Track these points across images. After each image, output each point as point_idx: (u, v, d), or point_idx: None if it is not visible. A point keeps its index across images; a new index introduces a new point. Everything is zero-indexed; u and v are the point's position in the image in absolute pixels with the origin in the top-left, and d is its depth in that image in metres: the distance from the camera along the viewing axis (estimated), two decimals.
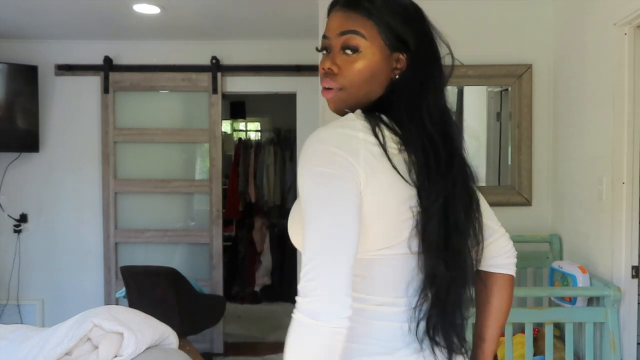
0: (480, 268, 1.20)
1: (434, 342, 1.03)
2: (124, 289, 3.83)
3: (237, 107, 6.38)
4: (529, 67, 3.09)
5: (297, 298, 0.92)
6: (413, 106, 1.02)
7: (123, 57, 4.32)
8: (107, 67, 4.29)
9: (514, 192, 3.13)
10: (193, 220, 4.51)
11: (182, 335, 2.88)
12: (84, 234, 4.39)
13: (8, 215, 4.34)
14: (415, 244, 1.02)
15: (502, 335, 2.46)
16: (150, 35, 4.14)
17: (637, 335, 2.42)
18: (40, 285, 4.39)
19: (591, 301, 2.49)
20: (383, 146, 0.96)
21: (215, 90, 4.30)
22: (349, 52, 1.03)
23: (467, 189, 1.09)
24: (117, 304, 3.92)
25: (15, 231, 4.36)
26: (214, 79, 4.29)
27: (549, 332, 2.41)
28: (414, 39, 1.04)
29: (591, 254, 2.59)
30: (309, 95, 4.17)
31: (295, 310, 0.91)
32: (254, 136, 6.82)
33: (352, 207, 0.93)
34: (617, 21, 2.33)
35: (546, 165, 3.12)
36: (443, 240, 1.01)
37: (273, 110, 6.41)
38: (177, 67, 4.30)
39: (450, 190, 1.03)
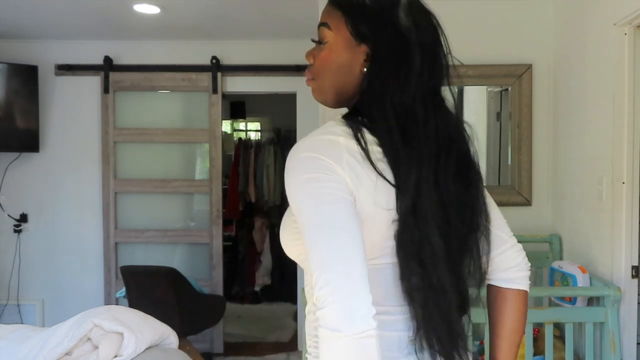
0: (490, 282, 1.15)
1: (433, 352, 0.99)
2: (124, 289, 3.83)
3: (237, 107, 6.38)
4: (529, 67, 3.09)
5: (316, 312, 0.88)
6: (377, 101, 0.97)
7: (123, 57, 4.32)
8: (107, 67, 4.29)
9: (514, 192, 3.13)
10: (193, 220, 4.51)
11: (182, 335, 2.88)
12: (84, 234, 4.39)
13: (8, 215, 4.34)
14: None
15: None
16: (150, 35, 4.14)
17: (637, 335, 2.42)
18: (40, 285, 4.39)
19: (591, 301, 2.49)
20: (365, 151, 0.93)
21: (215, 90, 4.30)
22: (318, 43, 1.06)
23: (468, 195, 1.02)
24: (117, 304, 3.92)
25: (15, 231, 4.36)
26: (214, 79, 4.29)
27: (549, 332, 2.41)
28: (375, 31, 0.98)
29: (591, 254, 2.59)
30: (309, 95, 4.10)
31: (318, 326, 0.88)
32: (254, 136, 6.82)
33: (346, 206, 0.90)
34: (617, 21, 2.33)
35: (546, 165, 3.12)
36: (418, 249, 0.96)
37: (273, 110, 6.41)
38: (177, 67, 4.30)
39: (440, 196, 0.97)
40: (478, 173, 1.06)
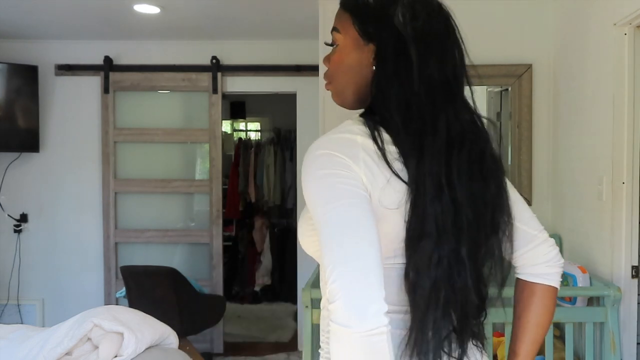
0: (519, 276, 1.14)
1: (442, 351, 0.98)
2: (124, 289, 3.83)
3: (237, 107, 6.38)
4: (529, 67, 3.09)
5: (328, 306, 0.88)
6: (384, 98, 0.98)
7: (123, 57, 4.32)
8: (107, 67, 4.29)
9: None
10: (193, 220, 4.51)
11: (182, 335, 2.88)
12: (84, 234, 4.39)
13: (8, 215, 4.34)
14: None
15: (502, 335, 2.47)
16: (150, 35, 4.14)
17: (637, 335, 2.42)
18: (40, 285, 4.39)
19: (591, 301, 2.49)
20: (382, 150, 0.94)
21: (215, 90, 4.30)
22: (330, 47, 1.08)
23: (488, 192, 1.00)
24: (117, 304, 3.92)
25: (15, 231, 4.36)
26: (214, 79, 4.29)
27: (549, 332, 2.41)
28: (378, 29, 1.00)
29: (591, 254, 2.59)
30: (309, 95, 4.17)
31: (330, 320, 0.87)
32: (254, 136, 6.82)
33: (361, 202, 0.90)
34: (617, 21, 2.33)
35: (546, 165, 3.12)
36: (418, 247, 0.95)
37: (273, 110, 6.41)
38: (177, 67, 4.30)
39: (452, 193, 0.95)
40: (499, 169, 1.04)
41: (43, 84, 4.27)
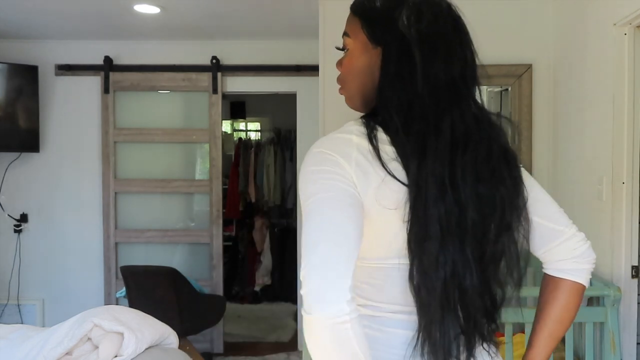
0: (545, 271, 1.12)
1: (450, 352, 0.97)
2: (124, 289, 3.83)
3: (237, 107, 6.39)
4: (529, 67, 3.09)
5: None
6: (387, 100, 0.98)
7: (123, 57, 4.32)
8: (107, 67, 4.29)
9: None
10: (193, 220, 4.51)
11: (182, 335, 2.88)
12: (84, 234, 4.39)
13: (8, 215, 4.34)
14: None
15: (502, 335, 2.47)
16: (150, 35, 4.15)
17: (637, 335, 2.42)
18: (40, 285, 4.39)
19: (591, 301, 2.48)
20: (376, 149, 0.94)
21: (215, 90, 4.30)
22: (342, 51, 1.09)
23: (497, 193, 0.99)
24: (117, 304, 3.92)
25: (15, 231, 4.36)
26: (214, 79, 4.29)
27: None
28: (384, 32, 1.00)
29: None
30: (309, 95, 4.17)
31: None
32: (254, 136, 6.83)
33: (342, 195, 0.91)
34: (617, 21, 2.33)
35: (546, 165, 3.12)
36: (422, 248, 0.94)
37: (273, 110, 6.41)
38: (177, 67, 4.30)
39: (456, 194, 0.95)
40: (514, 168, 1.03)
41: (43, 84, 4.27)
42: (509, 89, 3.16)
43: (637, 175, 2.36)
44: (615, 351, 2.32)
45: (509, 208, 1.01)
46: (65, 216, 4.39)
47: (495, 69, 3.08)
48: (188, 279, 3.72)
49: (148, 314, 2.33)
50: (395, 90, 0.98)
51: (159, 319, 2.33)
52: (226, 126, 6.55)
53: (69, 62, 4.32)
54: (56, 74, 4.34)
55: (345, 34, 1.07)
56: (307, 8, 3.32)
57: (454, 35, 1.02)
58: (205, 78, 4.30)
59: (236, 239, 6.13)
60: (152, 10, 3.54)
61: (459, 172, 0.95)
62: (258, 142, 6.29)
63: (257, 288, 5.96)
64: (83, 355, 2.04)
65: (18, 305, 4.35)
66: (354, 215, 0.92)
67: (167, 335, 2.28)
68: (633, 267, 2.36)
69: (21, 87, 4.15)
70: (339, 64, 1.10)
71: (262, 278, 5.96)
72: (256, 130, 6.93)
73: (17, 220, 4.36)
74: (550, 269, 1.11)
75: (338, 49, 1.10)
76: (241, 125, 6.94)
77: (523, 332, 2.57)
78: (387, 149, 0.96)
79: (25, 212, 4.39)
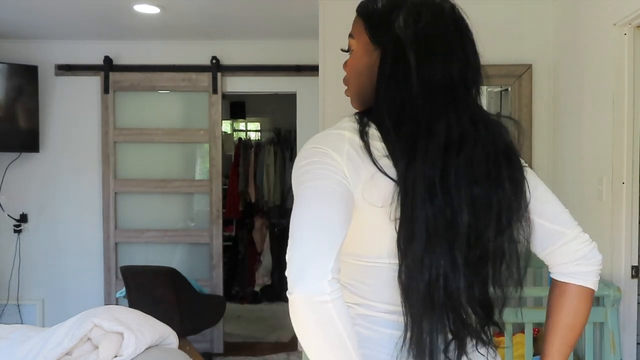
0: (551, 275, 1.11)
1: (439, 354, 0.98)
2: (124, 289, 3.83)
3: (237, 107, 6.38)
4: (529, 67, 3.09)
5: None
6: (381, 100, 0.99)
7: (123, 57, 4.32)
8: (107, 67, 4.29)
9: None
10: (193, 220, 4.51)
11: (182, 335, 2.88)
12: (84, 234, 4.39)
13: (8, 215, 4.34)
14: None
15: (502, 335, 2.47)
16: (150, 35, 4.14)
17: (637, 335, 2.42)
18: (40, 285, 4.39)
19: None
20: (366, 144, 0.95)
21: (215, 90, 4.30)
22: (347, 53, 1.10)
23: (494, 195, 0.98)
24: (117, 304, 3.92)
25: (15, 231, 4.36)
26: (214, 79, 4.29)
27: None
28: (383, 34, 1.01)
29: None
30: (309, 95, 4.17)
31: None
32: (254, 136, 6.83)
33: (332, 182, 0.92)
34: (617, 21, 2.33)
35: (546, 165, 3.12)
36: (408, 249, 0.94)
37: (273, 110, 6.41)
38: (177, 67, 4.30)
39: (447, 195, 0.94)
40: (515, 171, 1.02)
41: (43, 84, 4.27)
42: (509, 89, 3.16)
43: (637, 175, 2.36)
44: (615, 351, 2.32)
45: (507, 210, 1.00)
46: (65, 216, 4.39)
47: (495, 69, 3.08)
48: (188, 279, 3.72)
49: (148, 314, 2.33)
50: (389, 90, 0.98)
51: (159, 319, 2.33)
52: (226, 126, 6.55)
53: (69, 62, 4.32)
54: (56, 74, 4.34)
55: (350, 36, 1.08)
56: (307, 8, 3.32)
57: (454, 36, 1.01)
58: (205, 78, 4.30)
59: (236, 239, 6.13)
60: (152, 10, 3.54)
61: (452, 174, 0.95)
62: (258, 142, 6.29)
63: (257, 288, 5.96)
64: (83, 355, 2.04)
65: (18, 305, 4.35)
66: (341, 202, 0.92)
67: (167, 335, 2.28)
68: (633, 267, 2.36)
69: (21, 87, 4.15)
70: (345, 65, 1.10)
71: (262, 278, 5.96)
72: (256, 130, 6.93)
73: (17, 220, 4.36)
74: (555, 273, 1.10)
75: (343, 50, 1.11)
76: (241, 125, 6.94)
77: (523, 332, 2.57)
78: (378, 146, 0.96)
79: (25, 212, 4.39)
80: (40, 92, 4.22)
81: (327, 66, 3.15)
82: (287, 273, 0.88)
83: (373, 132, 0.97)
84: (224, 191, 5.01)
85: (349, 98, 1.12)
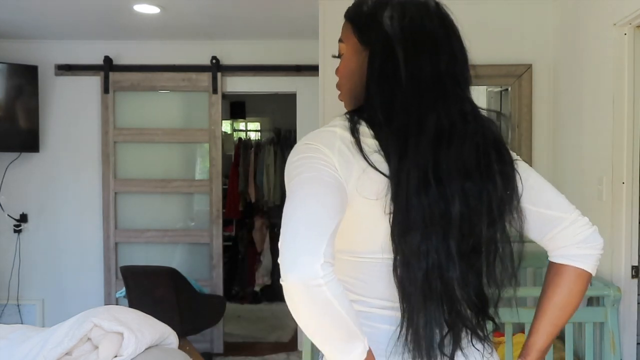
0: (549, 259, 1.11)
1: (435, 345, 0.99)
2: (124, 289, 3.83)
3: (237, 107, 6.38)
4: (529, 67, 3.09)
5: None
6: (371, 96, 1.02)
7: (123, 57, 4.32)
8: (107, 67, 4.29)
9: None
10: (193, 220, 4.51)
11: (182, 335, 2.88)
12: (84, 233, 4.39)
13: (8, 215, 4.34)
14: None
15: (502, 335, 2.47)
16: (150, 35, 4.14)
17: (637, 335, 2.42)
18: (40, 285, 4.39)
19: (591, 301, 2.48)
20: (357, 140, 0.97)
21: (215, 90, 4.30)
22: (339, 59, 1.12)
23: (484, 187, 1.00)
24: (117, 304, 3.92)
25: (15, 231, 4.36)
26: (214, 79, 4.29)
27: None
28: (371, 34, 1.04)
29: None
30: (309, 95, 4.17)
31: None
32: (254, 136, 6.82)
33: (322, 174, 0.94)
34: (617, 21, 2.33)
35: (546, 165, 3.12)
36: (403, 240, 0.96)
37: (273, 110, 6.41)
38: (177, 67, 4.30)
39: (440, 188, 0.96)
40: (505, 164, 1.04)
41: (43, 84, 4.27)
42: (509, 89, 3.16)
43: (637, 175, 2.36)
44: (615, 351, 2.32)
45: (498, 202, 1.02)
46: (65, 216, 4.39)
47: (495, 69, 3.08)
48: (188, 279, 3.72)
49: (148, 314, 2.33)
50: (380, 86, 1.00)
51: (159, 319, 2.33)
52: (226, 126, 6.55)
53: (69, 62, 4.32)
54: (56, 74, 4.34)
55: (340, 40, 1.10)
56: (307, 8, 3.32)
57: (441, 32, 1.04)
58: (205, 78, 4.30)
59: (236, 239, 6.13)
60: (152, 10, 3.53)
61: (444, 166, 0.97)
62: (258, 142, 6.29)
63: (257, 288, 5.96)
64: (83, 355, 2.04)
65: (18, 305, 4.35)
66: (332, 191, 0.93)
67: (167, 335, 2.28)
68: (633, 267, 2.36)
69: (21, 87, 4.15)
70: (337, 70, 1.12)
71: (262, 278, 5.96)
72: (256, 130, 6.93)
73: (17, 220, 4.36)
74: (554, 256, 1.10)
75: (334, 56, 1.13)
76: (241, 125, 6.94)
77: (523, 332, 2.57)
78: (369, 142, 0.99)
79: (25, 212, 4.39)
80: (40, 92, 4.22)
81: (327, 66, 3.15)
82: (279, 260, 0.89)
83: (364, 129, 1.00)
84: (224, 191, 5.01)
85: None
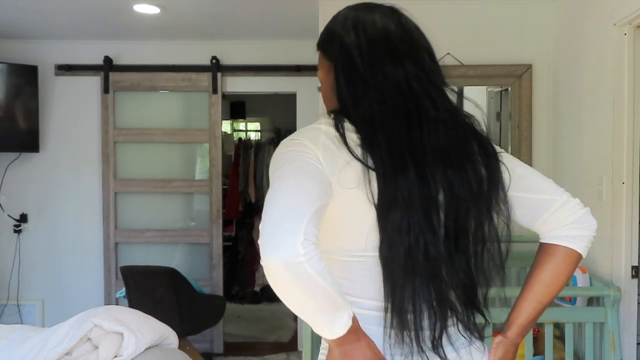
0: (541, 240, 1.12)
1: (417, 324, 1.01)
2: (124, 289, 3.83)
3: (237, 107, 6.39)
4: (529, 67, 3.09)
5: None
6: (343, 99, 1.08)
7: (123, 57, 4.32)
8: (107, 67, 4.29)
9: None
10: (193, 220, 4.51)
11: (182, 335, 2.88)
12: (84, 234, 4.39)
13: (8, 215, 4.34)
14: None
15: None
16: (150, 35, 4.14)
17: (637, 335, 2.42)
18: (40, 285, 4.39)
19: (591, 301, 2.48)
20: (342, 135, 1.01)
21: (215, 90, 4.30)
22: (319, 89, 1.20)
23: (465, 177, 1.04)
24: (117, 304, 3.92)
25: (15, 231, 4.36)
26: (214, 79, 4.29)
27: (548, 332, 2.41)
28: (332, 50, 1.11)
29: (591, 253, 2.57)
30: (309, 95, 4.17)
31: None
32: (254, 136, 6.83)
33: (307, 164, 0.97)
34: (617, 21, 2.33)
35: (546, 165, 3.12)
36: (387, 220, 0.99)
37: (273, 110, 6.41)
38: (177, 67, 4.30)
39: (422, 179, 1.00)
40: (487, 156, 1.07)
41: (43, 84, 4.27)
42: (509, 89, 3.16)
43: (637, 175, 2.36)
44: (615, 351, 2.32)
45: (483, 192, 1.05)
46: (65, 216, 4.39)
47: (495, 69, 3.08)
48: (188, 279, 3.72)
49: (148, 314, 2.33)
50: (347, 89, 1.07)
51: (159, 319, 2.33)
52: (226, 126, 6.55)
53: (69, 62, 4.32)
54: (56, 74, 4.34)
55: (317, 70, 1.18)
56: (307, 8, 3.32)
57: (401, 35, 1.08)
58: (205, 78, 4.30)
59: (236, 239, 6.12)
60: (152, 10, 3.54)
61: (419, 148, 1.01)
62: (258, 142, 6.28)
63: (257, 288, 5.95)
64: (83, 356, 2.04)
65: (18, 305, 4.35)
66: (314, 177, 0.97)
67: (167, 335, 2.28)
68: (633, 267, 2.36)
69: (21, 87, 4.15)
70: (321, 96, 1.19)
71: (262, 278, 5.95)
72: (256, 130, 6.94)
73: (17, 220, 4.36)
74: (545, 238, 1.11)
75: (318, 88, 1.20)
76: (241, 125, 6.94)
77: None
78: (353, 137, 1.03)
79: (25, 212, 4.39)
80: (40, 92, 4.22)
81: None
82: (259, 242, 0.91)
83: (348, 125, 1.04)
84: (224, 191, 5.01)
85: None
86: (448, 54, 3.00)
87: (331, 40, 1.12)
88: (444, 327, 1.03)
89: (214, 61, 4.27)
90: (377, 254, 1.01)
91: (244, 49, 4.30)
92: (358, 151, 1.01)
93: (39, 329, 2.34)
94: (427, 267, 0.99)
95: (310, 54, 4.29)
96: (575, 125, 2.82)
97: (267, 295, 5.90)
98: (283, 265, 0.88)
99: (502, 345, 1.11)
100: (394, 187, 0.98)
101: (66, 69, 4.31)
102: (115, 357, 2.02)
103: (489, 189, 1.05)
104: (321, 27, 3.20)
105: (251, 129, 6.98)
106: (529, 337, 2.39)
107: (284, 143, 1.05)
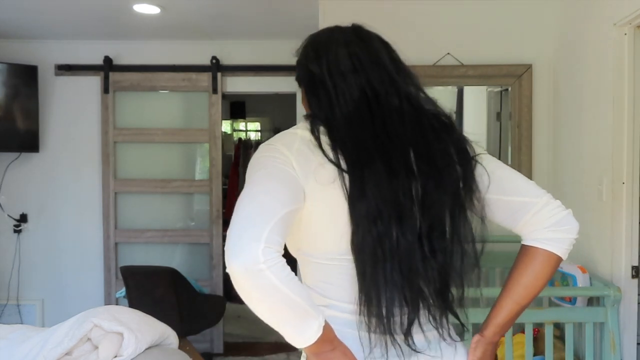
0: (523, 242, 1.12)
1: (388, 310, 1.02)
2: (124, 289, 3.83)
3: (237, 107, 6.39)
4: (529, 67, 3.09)
5: None
6: (316, 111, 1.14)
7: (123, 57, 4.32)
8: (107, 67, 4.28)
9: None
10: (193, 220, 4.51)
11: (182, 335, 2.88)
12: (84, 234, 4.38)
13: (8, 215, 4.34)
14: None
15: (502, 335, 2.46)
16: (150, 35, 4.14)
17: (637, 335, 2.42)
18: (40, 285, 4.39)
19: (591, 301, 2.49)
20: (317, 139, 1.05)
21: (215, 90, 4.30)
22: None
23: (440, 179, 1.05)
24: (117, 304, 3.92)
25: (15, 231, 4.36)
26: (214, 79, 4.29)
27: (549, 332, 2.41)
28: (302, 76, 1.20)
29: (591, 253, 2.59)
30: None
31: None
32: (254, 136, 6.83)
33: (278, 171, 1.00)
34: (617, 21, 2.33)
35: (546, 165, 3.12)
36: (356, 209, 1.01)
37: (273, 110, 6.42)
38: (177, 67, 4.30)
39: (394, 181, 1.02)
40: (464, 158, 1.09)
41: (43, 84, 4.27)
42: (509, 89, 3.16)
43: (637, 175, 2.36)
44: (615, 351, 2.32)
45: (459, 189, 1.06)
46: (65, 216, 4.39)
47: (495, 69, 3.08)
48: (188, 279, 3.72)
49: (148, 314, 2.33)
50: (315, 100, 1.13)
51: (159, 319, 2.33)
52: (226, 126, 6.55)
53: (69, 62, 4.32)
54: (56, 74, 4.34)
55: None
56: (307, 8, 3.32)
57: (357, 48, 1.13)
58: (205, 78, 4.30)
59: None
60: (152, 10, 3.53)
61: (383, 139, 1.04)
62: (258, 142, 6.29)
63: None
64: (83, 356, 2.04)
65: (18, 305, 4.35)
66: (284, 183, 0.99)
67: (167, 335, 2.28)
68: (633, 267, 2.36)
69: (21, 87, 4.15)
70: None
71: None
72: (256, 130, 6.94)
73: (17, 221, 4.36)
74: (527, 240, 1.11)
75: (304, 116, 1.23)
76: (241, 125, 6.94)
77: (523, 332, 2.57)
78: (326, 140, 1.06)
79: (25, 212, 4.39)
80: (40, 92, 4.21)
81: None
82: (225, 248, 0.92)
83: (323, 129, 1.08)
84: (224, 191, 5.01)
85: None
86: (448, 54, 3.00)
87: (298, 67, 1.21)
88: (415, 316, 1.04)
89: (214, 61, 4.27)
90: (341, 257, 1.04)
91: (244, 49, 4.30)
92: (331, 154, 1.04)
93: (39, 329, 2.34)
94: (398, 255, 1.01)
95: None
96: (575, 125, 2.82)
97: None
98: (244, 272, 0.89)
99: (480, 344, 1.13)
100: (361, 180, 1.01)
101: (66, 69, 4.31)
102: (115, 357, 2.02)
103: (464, 186, 1.07)
104: (321, 27, 3.21)
105: (251, 129, 6.99)
106: (529, 337, 2.39)
107: (261, 148, 1.09)
